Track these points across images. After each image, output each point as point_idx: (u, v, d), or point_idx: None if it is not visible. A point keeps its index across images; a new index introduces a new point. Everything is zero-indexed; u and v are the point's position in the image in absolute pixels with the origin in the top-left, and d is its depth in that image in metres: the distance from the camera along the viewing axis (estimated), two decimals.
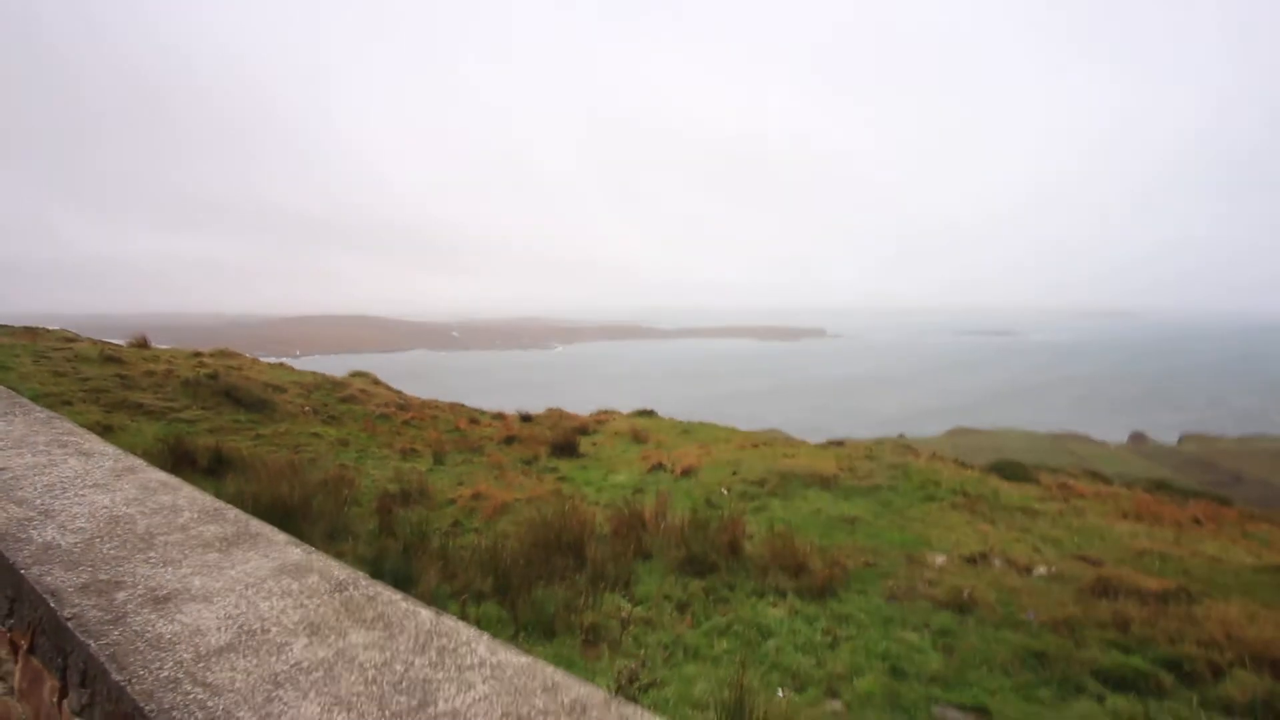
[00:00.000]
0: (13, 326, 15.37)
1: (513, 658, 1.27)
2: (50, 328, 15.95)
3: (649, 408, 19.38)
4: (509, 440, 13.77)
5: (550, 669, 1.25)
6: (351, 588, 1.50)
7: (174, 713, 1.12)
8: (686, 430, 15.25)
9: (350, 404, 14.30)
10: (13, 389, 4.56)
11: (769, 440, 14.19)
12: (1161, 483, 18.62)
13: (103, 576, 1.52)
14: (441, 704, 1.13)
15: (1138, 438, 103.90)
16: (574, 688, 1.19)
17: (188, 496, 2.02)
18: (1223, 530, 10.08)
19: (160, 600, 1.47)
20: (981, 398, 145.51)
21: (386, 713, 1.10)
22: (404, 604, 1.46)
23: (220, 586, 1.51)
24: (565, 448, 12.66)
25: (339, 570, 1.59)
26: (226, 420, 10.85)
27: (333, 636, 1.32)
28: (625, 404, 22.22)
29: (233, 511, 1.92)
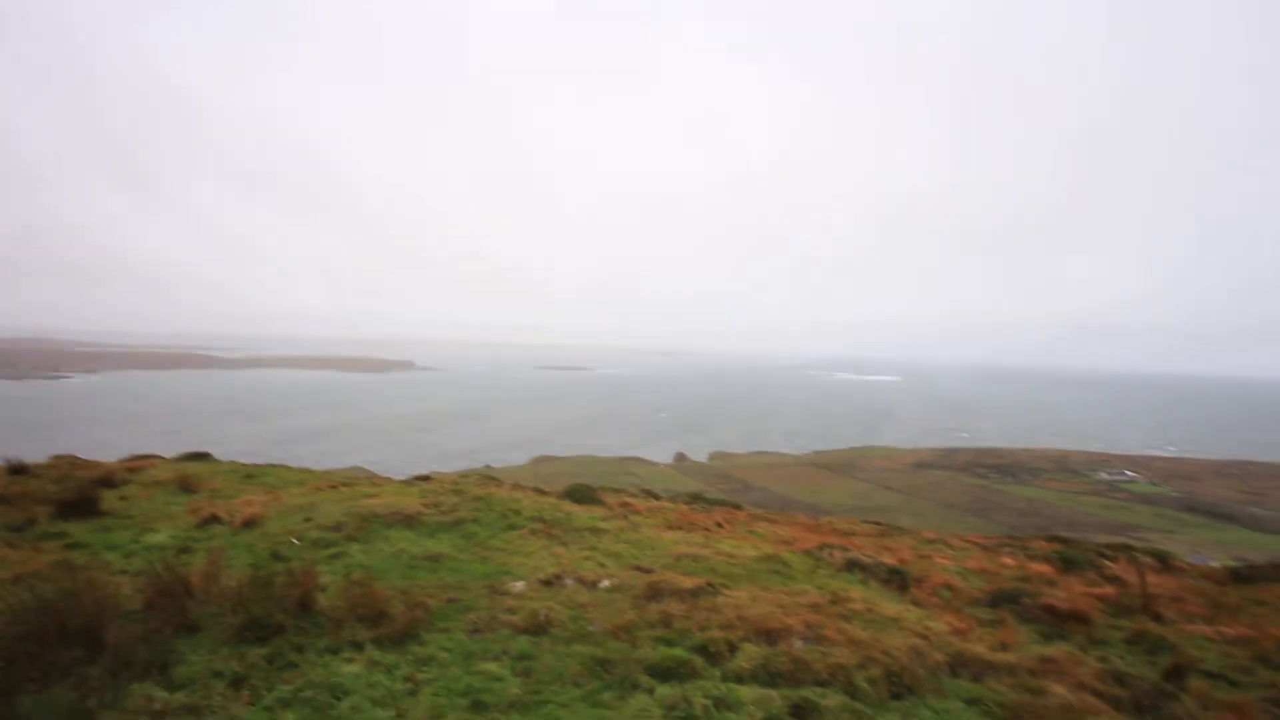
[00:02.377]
0: None
1: None
2: None
3: (203, 450, 16.68)
4: None
5: None
6: None
7: None
8: (251, 475, 13.48)
9: None
10: None
11: (349, 480, 13.36)
12: (696, 495, 22.55)
13: None
14: None
15: (680, 457, 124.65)
16: None
17: None
18: (736, 530, 12.46)
19: None
20: (559, 427, 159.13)
21: None
22: None
23: None
24: (79, 505, 10.12)
25: None
26: None
27: None
28: (172, 447, 18.79)
29: None
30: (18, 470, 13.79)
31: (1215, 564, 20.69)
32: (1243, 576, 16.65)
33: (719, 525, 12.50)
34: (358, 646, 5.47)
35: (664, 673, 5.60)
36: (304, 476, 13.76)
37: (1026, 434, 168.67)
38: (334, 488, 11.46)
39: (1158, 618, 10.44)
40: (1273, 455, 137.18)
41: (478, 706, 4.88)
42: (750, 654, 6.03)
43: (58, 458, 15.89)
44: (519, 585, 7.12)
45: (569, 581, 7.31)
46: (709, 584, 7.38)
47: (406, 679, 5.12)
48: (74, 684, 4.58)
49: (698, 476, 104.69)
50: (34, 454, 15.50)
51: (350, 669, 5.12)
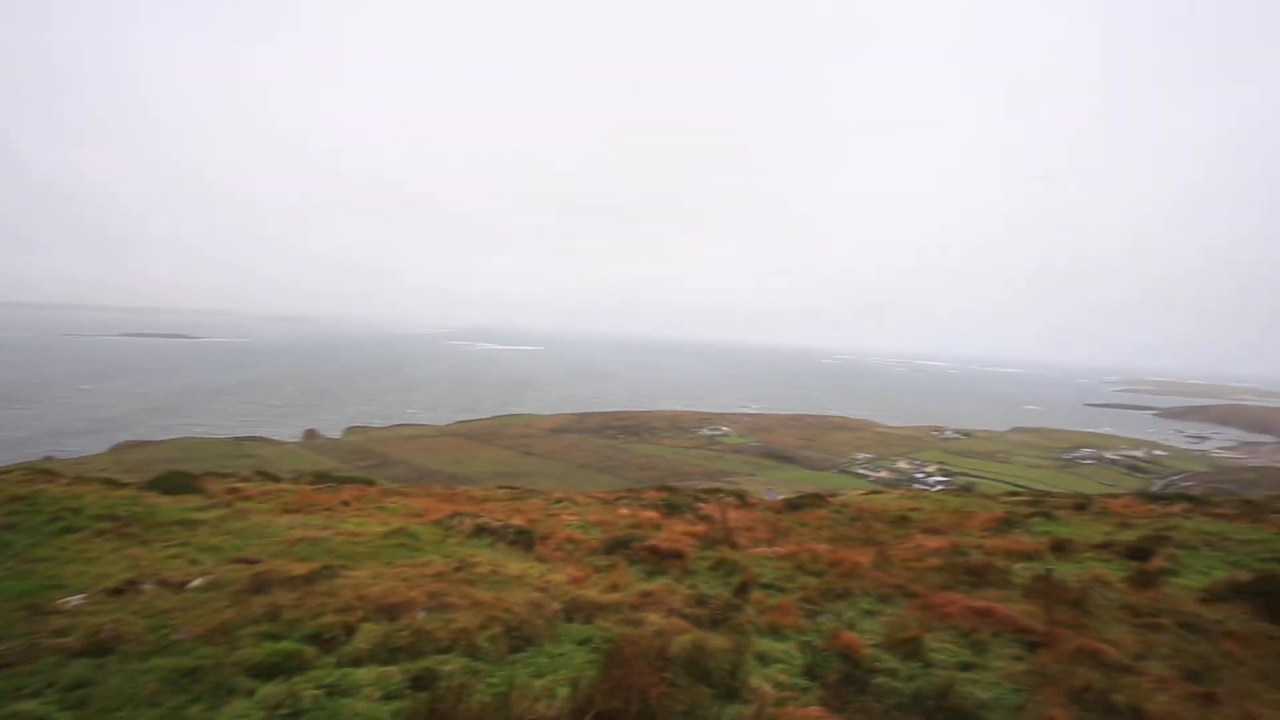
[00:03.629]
0: None
1: None
2: None
3: None
4: None
5: None
6: None
7: None
8: None
9: None
10: None
11: None
12: (325, 474, 20.99)
13: None
14: None
15: (311, 434, 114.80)
16: None
17: None
18: (365, 507, 11.93)
19: None
20: (154, 406, 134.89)
21: None
22: None
23: None
24: None
25: None
26: None
27: None
28: None
29: None
30: None
31: (779, 497, 25.63)
32: (794, 505, 21.05)
33: (345, 504, 11.82)
34: None
35: (268, 670, 5.14)
36: None
37: (649, 398, 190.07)
38: None
39: (734, 545, 12.65)
40: (817, 409, 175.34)
41: None
42: (369, 633, 5.83)
43: None
44: (75, 600, 5.87)
45: (147, 586, 6.24)
46: (326, 567, 6.94)
47: None
48: None
49: (331, 454, 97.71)
50: None
51: None
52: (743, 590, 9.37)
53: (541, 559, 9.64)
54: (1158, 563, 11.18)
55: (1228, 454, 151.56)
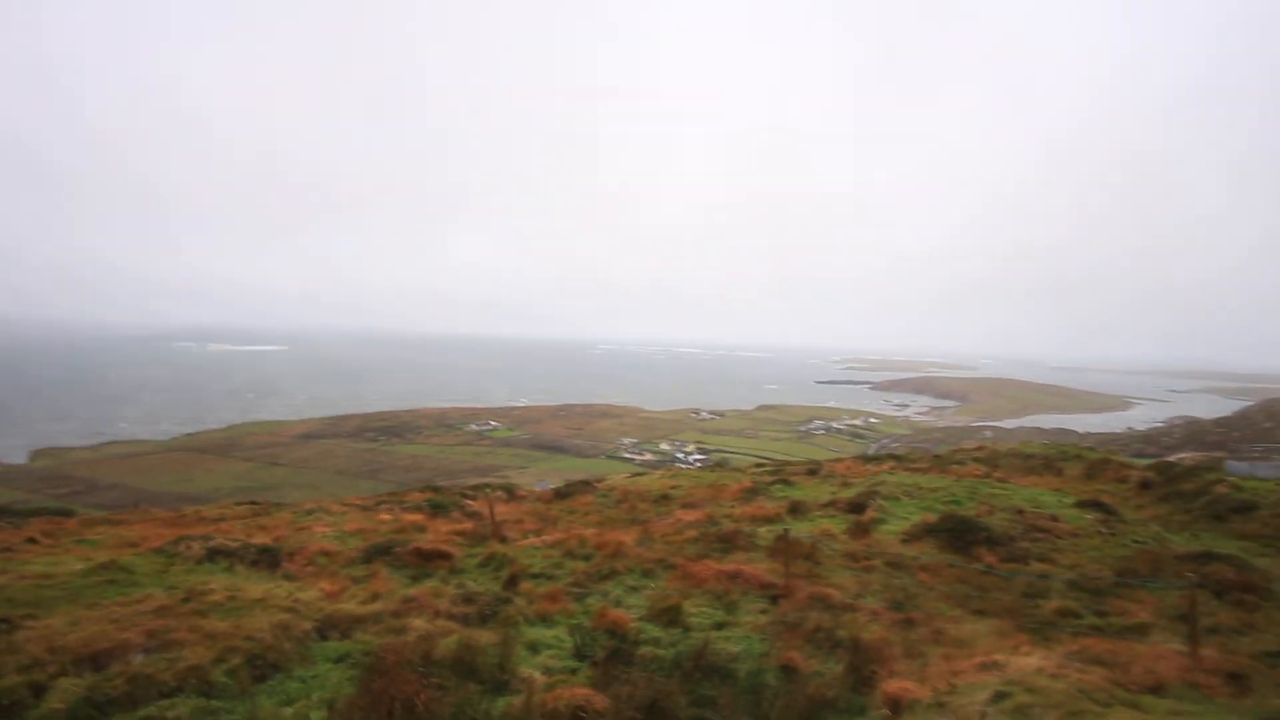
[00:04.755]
0: None
1: None
2: None
3: None
4: None
5: None
6: None
7: None
8: None
9: None
10: None
11: None
12: (4, 508, 17.38)
13: None
14: None
15: None
16: None
17: None
18: (61, 542, 10.18)
19: None
20: None
21: None
22: None
23: None
24: None
25: None
26: None
27: None
28: None
29: None
30: None
31: (550, 487, 25.92)
32: (562, 494, 21.42)
33: (32, 541, 9.92)
34: None
35: None
36: None
37: (411, 396, 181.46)
38: None
39: (503, 539, 12.58)
40: (584, 398, 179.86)
41: None
42: (68, 690, 4.96)
43: None
44: None
45: None
46: (6, 619, 5.79)
47: None
48: None
49: (12, 485, 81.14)
50: None
51: None
52: (512, 583, 9.36)
53: (290, 576, 8.84)
54: (871, 514, 13.01)
55: (923, 418, 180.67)
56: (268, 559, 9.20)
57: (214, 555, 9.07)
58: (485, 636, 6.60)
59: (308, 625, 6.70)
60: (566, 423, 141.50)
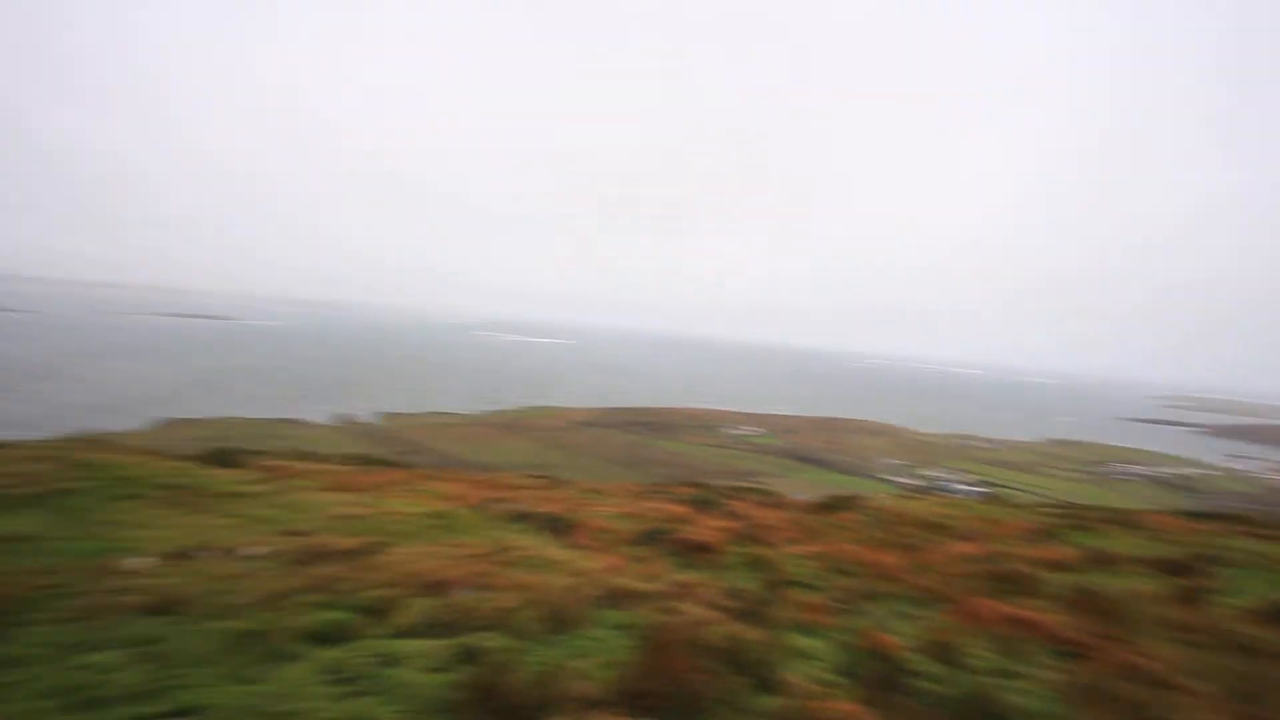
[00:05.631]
0: None
1: None
2: None
3: None
4: None
5: None
6: None
7: None
8: None
9: None
10: None
11: None
12: (365, 456, 21.47)
13: None
14: None
15: (344, 418, 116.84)
16: None
17: None
18: (403, 489, 12.21)
19: None
20: (193, 385, 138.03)
21: None
22: None
23: None
24: None
25: None
26: None
27: None
28: None
29: None
30: None
31: (809, 498, 25.55)
32: (825, 506, 21.02)
33: (383, 486, 12.13)
34: None
35: (323, 637, 5.37)
36: None
37: (675, 395, 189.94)
38: None
39: (766, 543, 12.74)
40: (846, 412, 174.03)
41: (89, 704, 4.20)
42: (416, 608, 6.05)
43: None
44: (139, 562, 6.18)
45: (205, 553, 6.54)
46: (373, 543, 7.19)
47: None
48: None
49: (365, 438, 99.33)
50: None
51: None
52: (776, 586, 9.47)
53: (576, 546, 9.83)
54: (1202, 580, 11.01)
55: (1275, 475, 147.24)
56: (558, 528, 10.30)
57: (516, 517, 10.38)
58: (751, 633, 6.78)
59: (593, 591, 7.41)
60: (828, 436, 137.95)
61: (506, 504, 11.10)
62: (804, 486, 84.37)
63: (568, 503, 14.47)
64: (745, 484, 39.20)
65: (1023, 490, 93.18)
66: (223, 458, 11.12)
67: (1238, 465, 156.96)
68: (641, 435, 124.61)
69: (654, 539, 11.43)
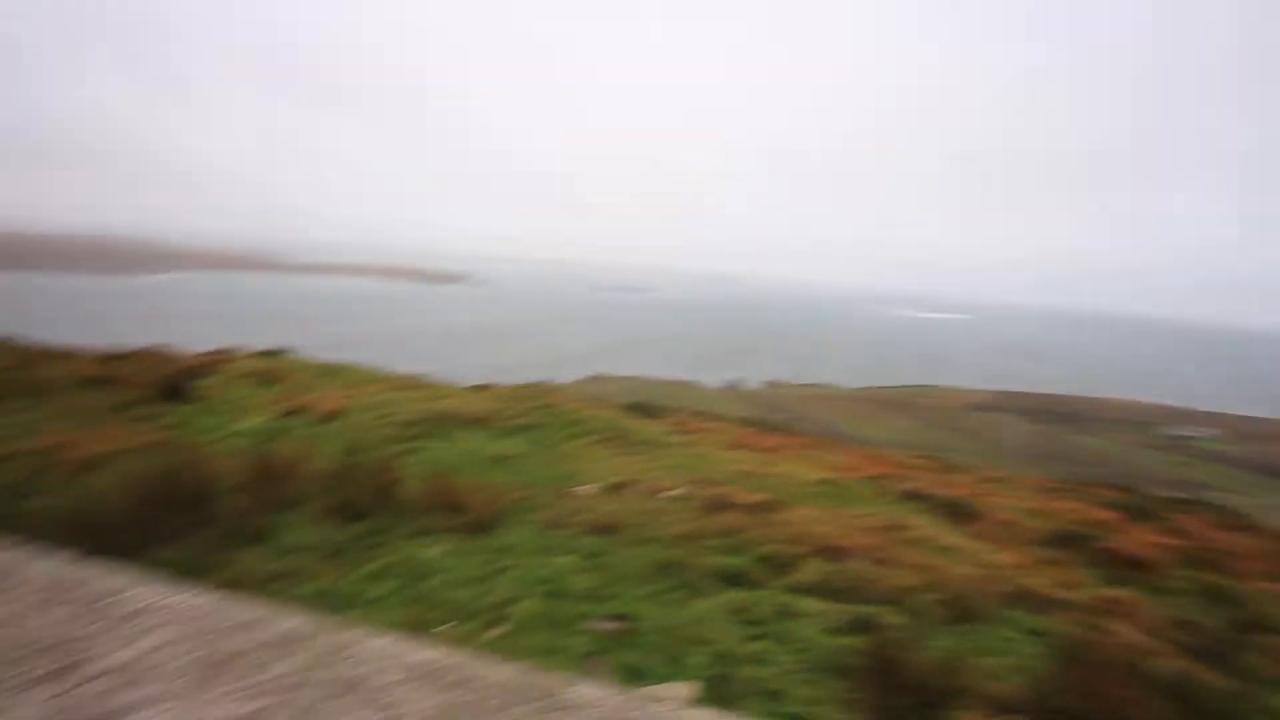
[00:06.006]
0: None
1: (192, 598, 1.06)
2: None
3: (278, 347, 17.47)
4: (91, 383, 11.29)
5: (245, 605, 1.08)
6: None
7: None
8: (327, 372, 14.13)
9: None
10: None
11: (418, 384, 13.87)
12: (752, 419, 22.77)
13: None
14: (106, 660, 0.89)
15: (732, 384, 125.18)
16: (282, 621, 1.05)
17: None
18: (793, 454, 12.56)
19: None
20: (609, 348, 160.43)
21: (18, 681, 0.82)
22: (7, 554, 1.09)
23: None
24: (173, 391, 10.82)
25: None
26: None
27: None
28: (249, 343, 19.65)
29: None
30: (113, 358, 14.75)
31: None
32: None
33: (778, 449, 12.64)
34: (439, 533, 5.83)
35: (728, 579, 5.84)
36: (375, 376, 14.34)
37: (1097, 383, 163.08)
38: (405, 389, 11.96)
39: (1229, 573, 10.30)
40: None
41: (553, 595, 5.19)
42: (812, 569, 6.21)
43: (148, 348, 16.88)
44: (587, 489, 7.41)
45: (633, 489, 7.57)
46: (771, 500, 7.55)
47: (486, 564, 5.46)
48: (191, 546, 5.05)
49: (749, 404, 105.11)
50: (127, 344, 16.51)
51: (433, 552, 5.48)
52: (1246, 629, 7.61)
53: (978, 536, 9.10)
54: None
55: None
56: (957, 513, 9.63)
57: (910, 496, 9.98)
58: (1212, 677, 5.55)
59: (1000, 588, 6.79)
60: None
61: (900, 481, 10.74)
62: (1275, 509, 66.08)
63: (966, 488, 13.45)
64: (1189, 496, 32.17)
65: None
66: (642, 410, 12.81)
67: None
68: (1049, 425, 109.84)
69: (1069, 542, 10.03)
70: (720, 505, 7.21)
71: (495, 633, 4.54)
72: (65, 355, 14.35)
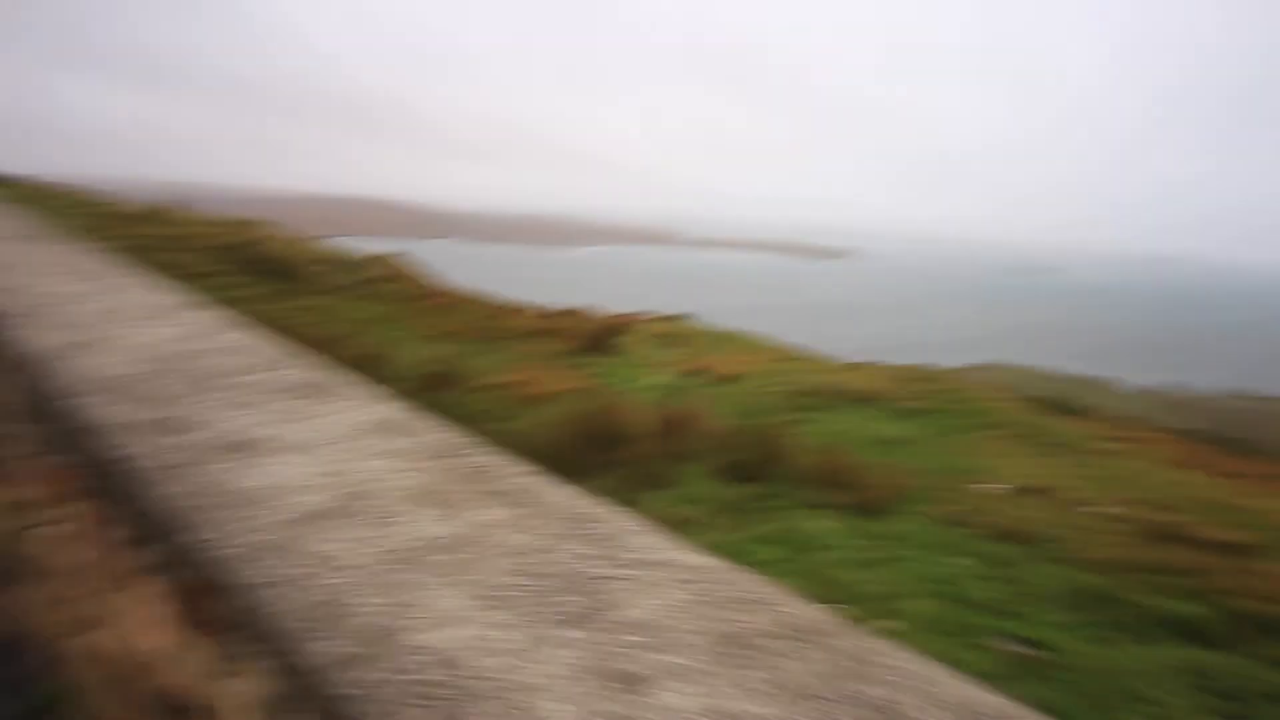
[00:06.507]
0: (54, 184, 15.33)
1: (698, 558, 1.03)
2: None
3: (681, 313, 19.12)
4: (539, 333, 13.62)
5: (751, 578, 1.01)
6: (466, 453, 1.24)
7: (281, 588, 0.88)
8: (722, 338, 15.03)
9: (380, 284, 14.14)
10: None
11: (805, 356, 13.94)
12: (1203, 434, 18.35)
13: (175, 414, 1.24)
14: (626, 610, 0.87)
15: (1169, 387, 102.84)
16: (792, 606, 0.95)
17: (259, 338, 1.74)
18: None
19: (240, 447, 1.17)
20: (1007, 333, 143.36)
21: (553, 614, 0.85)
22: (531, 479, 1.19)
23: (310, 437, 1.21)
24: (598, 344, 12.50)
25: (447, 433, 1.32)
26: (258, 290, 10.75)
27: (458, 510, 1.06)
28: (652, 308, 21.85)
29: (313, 356, 1.65)
30: (554, 314, 17.66)
31: None
32: None
33: (1248, 476, 9.94)
34: (832, 508, 5.71)
35: (1182, 630, 4.69)
36: (765, 346, 14.82)
37: None
38: (794, 360, 12.12)
39: None
40: None
41: (950, 598, 4.72)
42: None
43: (576, 308, 19.84)
44: (991, 487, 6.62)
45: (1051, 497, 6.55)
46: (1250, 543, 5.91)
47: (876, 549, 5.19)
48: (610, 480, 5.71)
49: (1194, 415, 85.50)
50: (560, 304, 19.62)
51: (825, 525, 5.38)
52: None
53: None
54: None
55: None
56: None
57: None
58: None
59: None
60: None
61: None
62: None
63: None
64: None
65: None
66: (1061, 406, 11.07)
67: None
68: None
69: None
70: (1170, 535, 5.85)
71: (888, 626, 4.27)
72: (517, 310, 17.58)
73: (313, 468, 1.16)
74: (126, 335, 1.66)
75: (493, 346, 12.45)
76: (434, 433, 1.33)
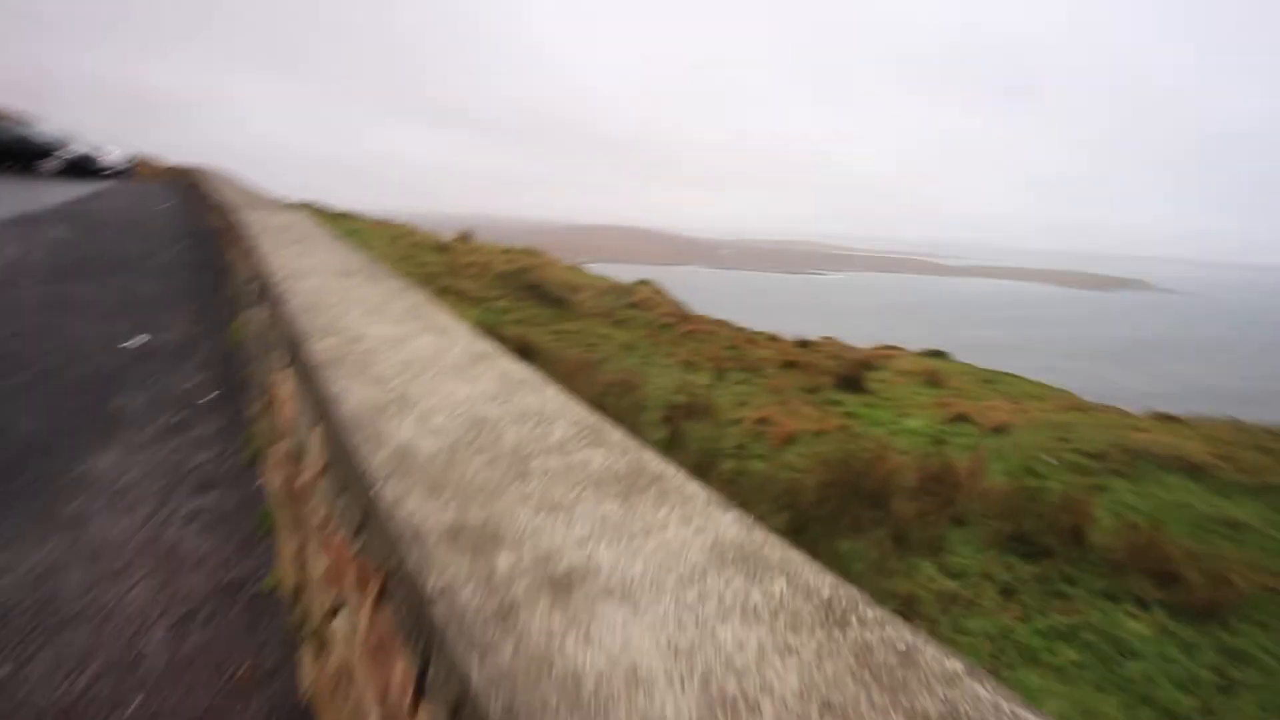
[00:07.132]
0: (366, 216, 18.05)
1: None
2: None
3: (939, 349, 17.58)
4: (788, 365, 13.27)
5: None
6: (863, 619, 0.77)
7: None
8: (989, 380, 13.48)
9: (636, 310, 14.74)
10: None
11: (1094, 406, 12.01)
12: None
13: (475, 517, 0.99)
14: None
15: None
16: None
17: (554, 400, 1.66)
18: None
19: (561, 585, 0.77)
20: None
21: None
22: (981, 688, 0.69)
23: (639, 571, 0.82)
24: (849, 381, 11.84)
25: (810, 569, 0.87)
26: (530, 313, 11.70)
27: None
28: (906, 342, 20.36)
29: (615, 432, 1.47)
30: (802, 345, 17.15)
31: None
32: None
33: None
34: (1142, 604, 4.71)
35: None
36: (1045, 391, 13.03)
37: None
38: (1084, 410, 10.45)
39: None
40: None
41: None
42: None
43: (825, 339, 19.11)
44: None
45: None
46: None
47: (1213, 668, 4.16)
48: (870, 542, 5.23)
49: None
50: (807, 334, 18.98)
51: (1136, 628, 4.44)
52: None
53: None
54: None
55: None
56: None
57: None
58: None
59: None
60: None
61: None
62: None
63: None
64: None
65: None
66: None
67: None
68: None
69: None
70: None
71: None
72: (770, 339, 17.32)
73: (653, 634, 0.66)
74: (429, 394, 1.67)
75: (740, 377, 12.36)
76: (804, 570, 0.87)
